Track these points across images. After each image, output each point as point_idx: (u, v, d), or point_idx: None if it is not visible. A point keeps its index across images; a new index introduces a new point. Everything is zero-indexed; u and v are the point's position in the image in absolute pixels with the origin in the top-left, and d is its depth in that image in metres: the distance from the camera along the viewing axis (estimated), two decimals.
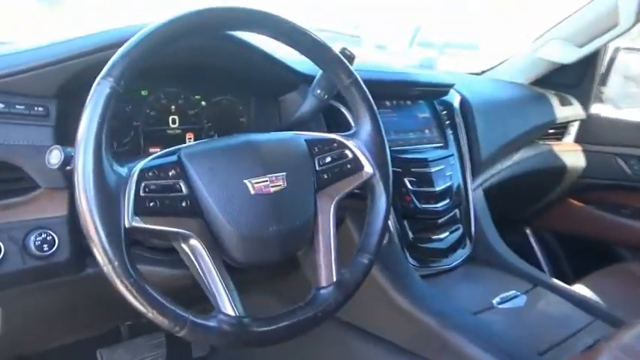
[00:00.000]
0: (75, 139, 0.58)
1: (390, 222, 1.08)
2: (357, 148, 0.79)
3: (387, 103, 1.19)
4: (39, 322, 0.81)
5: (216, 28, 0.70)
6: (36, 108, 0.74)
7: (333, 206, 0.75)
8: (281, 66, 0.98)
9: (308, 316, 0.69)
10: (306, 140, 0.76)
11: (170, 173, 0.64)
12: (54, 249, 0.72)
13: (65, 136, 0.79)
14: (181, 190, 0.64)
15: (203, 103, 1.03)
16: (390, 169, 0.81)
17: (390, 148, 1.12)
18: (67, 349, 1.09)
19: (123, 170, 0.60)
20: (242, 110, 1.08)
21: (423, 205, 1.12)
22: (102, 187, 0.56)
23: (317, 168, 0.76)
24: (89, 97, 0.58)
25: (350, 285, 0.74)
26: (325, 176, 0.76)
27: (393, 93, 1.21)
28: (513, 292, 1.03)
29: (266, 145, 0.72)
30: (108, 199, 0.57)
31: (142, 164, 0.62)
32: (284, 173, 0.70)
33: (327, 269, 0.73)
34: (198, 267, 0.64)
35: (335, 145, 0.78)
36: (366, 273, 0.76)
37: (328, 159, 0.77)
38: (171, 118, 0.99)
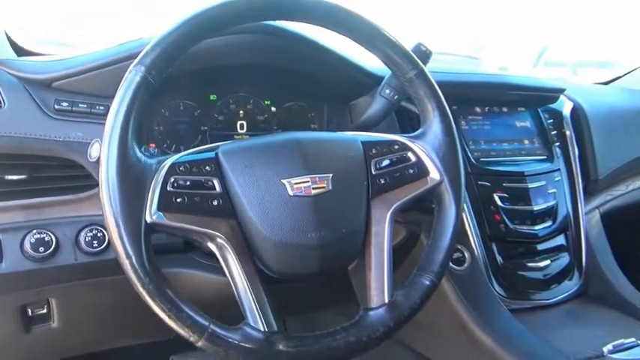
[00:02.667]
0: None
1: (472, 242, 0.93)
2: (422, 150, 0.69)
3: (478, 109, 1.06)
4: (95, 319, 0.82)
5: (256, 16, 0.65)
6: (97, 107, 0.75)
7: (389, 215, 0.65)
8: (353, 67, 0.91)
9: (349, 340, 0.59)
10: (362, 142, 0.68)
11: (205, 169, 0.59)
12: (103, 246, 0.72)
13: None
14: (214, 188, 0.59)
15: (273, 108, 0.99)
16: (463, 175, 0.69)
17: (478, 158, 1.00)
18: (139, 352, 1.10)
19: (152, 162, 0.57)
20: (313, 116, 1.02)
21: (517, 227, 0.96)
22: (125, 177, 0.54)
23: (373, 171, 0.66)
24: (120, 86, 0.56)
25: (404, 309, 0.63)
26: (382, 181, 0.66)
27: (486, 98, 1.07)
28: (633, 340, 0.82)
29: (313, 143, 0.65)
30: (130, 190, 0.54)
31: (174, 158, 0.59)
32: (329, 174, 0.62)
33: (378, 288, 0.63)
34: (227, 271, 0.58)
35: (396, 147, 0.69)
36: (425, 296, 0.64)
37: (386, 162, 0.67)
38: (239, 123, 0.97)
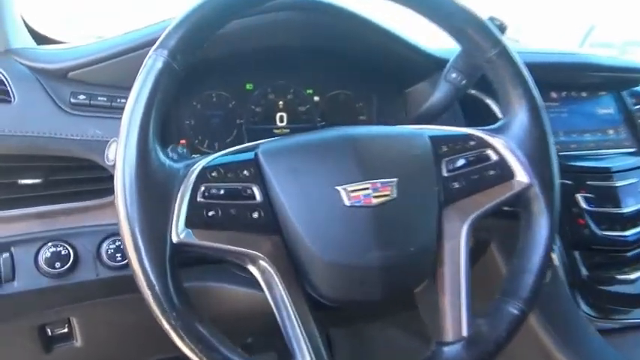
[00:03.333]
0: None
1: (553, 252, 0.79)
2: (505, 147, 0.56)
3: (554, 94, 0.91)
4: (120, 336, 0.73)
5: None
6: (118, 100, 0.66)
7: (466, 228, 0.53)
8: (410, 48, 0.78)
9: None
10: (430, 137, 0.55)
11: (242, 174, 0.49)
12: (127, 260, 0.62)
13: None
14: (253, 197, 0.48)
15: (316, 98, 0.88)
16: (557, 177, 0.56)
17: (556, 152, 0.85)
18: None
19: (178, 167, 0.47)
20: (362, 107, 0.90)
21: (604, 232, 0.81)
22: (145, 186, 0.43)
23: (444, 174, 0.54)
24: (138, 74, 0.46)
25: (487, 344, 0.51)
26: (456, 185, 0.54)
27: (563, 81, 0.92)
28: None
29: (371, 141, 0.53)
30: (153, 203, 0.44)
31: (205, 161, 0.48)
32: (394, 179, 0.50)
33: (453, 318, 0.51)
34: (270, 299, 0.47)
35: (472, 143, 0.56)
36: (513, 329, 0.52)
37: (461, 162, 0.55)
38: (278, 115, 0.86)
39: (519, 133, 0.56)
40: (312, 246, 0.48)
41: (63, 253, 0.60)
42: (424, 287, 0.55)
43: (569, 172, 0.82)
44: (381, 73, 0.85)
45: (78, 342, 0.70)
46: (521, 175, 0.55)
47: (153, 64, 0.46)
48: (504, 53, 0.56)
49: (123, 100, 0.66)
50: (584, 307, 0.79)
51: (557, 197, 0.56)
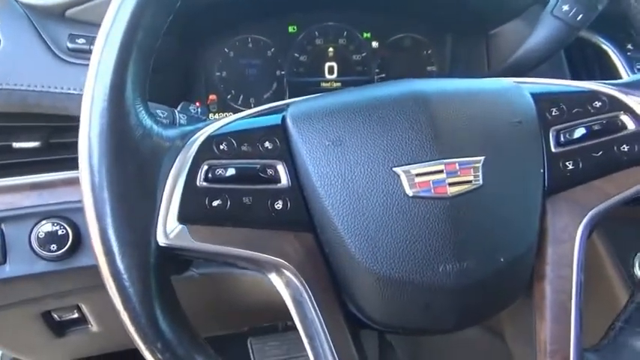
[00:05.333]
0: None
1: None
2: None
3: None
4: None
5: None
6: None
7: (582, 228, 0.37)
8: None
9: None
10: (534, 95, 0.38)
11: (263, 147, 0.35)
12: None
13: (158, 88, 0.57)
14: (277, 180, 0.34)
15: (374, 44, 0.71)
16: None
17: None
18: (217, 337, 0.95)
19: (171, 136, 0.33)
20: (430, 54, 0.73)
21: None
22: (119, 163, 0.31)
23: (553, 149, 0.38)
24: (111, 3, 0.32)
25: None
26: (571, 166, 0.37)
27: None
28: None
29: (449, 101, 0.37)
30: (130, 188, 0.31)
31: (212, 128, 0.35)
32: (480, 158, 0.35)
33: (558, 352, 0.36)
34: (298, 320, 0.34)
35: (598, 104, 0.39)
36: None
37: (581, 132, 0.38)
38: (327, 65, 0.71)
39: None
40: (358, 252, 0.33)
41: (60, 232, 0.50)
42: (514, 307, 0.40)
43: None
44: (457, 10, 0.67)
45: (94, 327, 0.61)
46: None
47: None
48: None
49: None
50: None
51: None
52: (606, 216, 0.38)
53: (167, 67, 0.60)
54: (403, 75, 0.73)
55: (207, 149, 0.33)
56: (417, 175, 0.34)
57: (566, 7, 0.51)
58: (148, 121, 0.32)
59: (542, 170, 0.37)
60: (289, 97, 0.70)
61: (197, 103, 0.68)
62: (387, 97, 0.36)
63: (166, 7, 0.33)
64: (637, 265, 0.60)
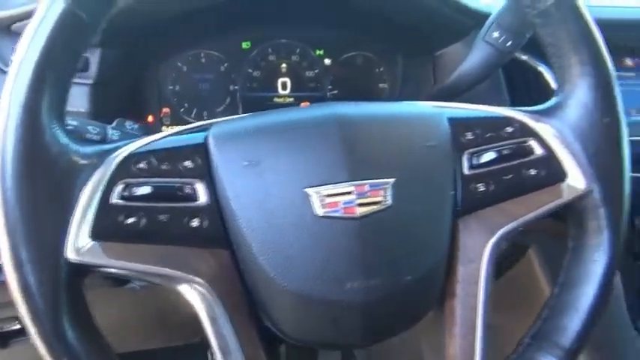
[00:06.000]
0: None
1: None
2: (556, 137, 0.40)
3: (629, 61, 0.72)
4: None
5: None
6: None
7: (490, 247, 0.39)
8: (444, 0, 0.61)
9: None
10: (451, 119, 0.40)
11: (182, 166, 0.36)
12: None
13: (107, 101, 0.58)
14: (195, 198, 0.35)
15: (327, 61, 0.73)
16: (628, 184, 0.40)
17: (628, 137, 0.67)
18: (176, 348, 0.95)
19: (87, 154, 0.34)
20: (382, 72, 0.75)
21: None
22: (31, 180, 0.32)
23: (466, 171, 0.39)
24: (29, 24, 0.33)
25: None
26: (482, 188, 0.39)
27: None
28: None
29: (366, 125, 0.38)
30: (41, 203, 0.32)
31: (134, 146, 0.36)
32: (390, 180, 0.36)
33: None
34: (213, 336, 0.35)
35: (510, 129, 0.41)
36: None
37: (491, 156, 0.40)
38: (281, 81, 0.72)
39: (578, 117, 0.40)
40: (270, 270, 0.35)
41: None
42: (429, 320, 0.41)
43: None
44: (408, 30, 0.69)
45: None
46: (576, 178, 0.39)
47: (52, 9, 0.33)
48: (566, 3, 0.39)
49: None
50: None
51: (625, 211, 0.40)
52: (514, 235, 0.40)
53: (117, 80, 0.61)
54: (356, 92, 0.76)
55: (124, 167, 0.35)
56: (328, 195, 0.35)
57: (496, 34, 0.53)
58: (64, 139, 0.33)
59: (453, 191, 0.38)
60: (242, 112, 0.72)
61: (166, 111, 0.69)
62: (307, 120, 0.38)
63: (85, 28, 0.34)
64: None
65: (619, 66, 0.70)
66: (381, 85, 0.76)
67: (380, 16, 0.67)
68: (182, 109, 0.70)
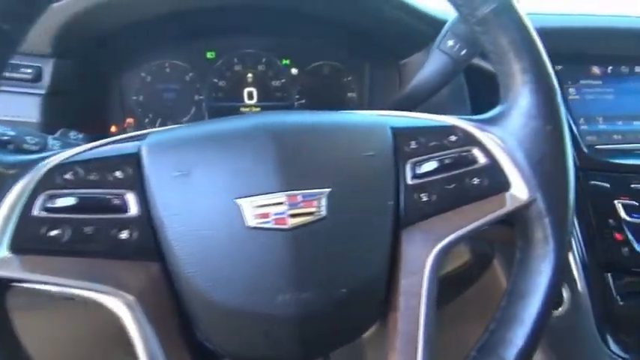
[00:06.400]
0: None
1: (575, 272, 0.62)
2: (499, 145, 0.40)
3: (597, 70, 0.71)
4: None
5: None
6: (23, 69, 0.53)
7: (432, 258, 0.38)
8: (403, 8, 0.61)
9: None
10: (394, 128, 0.40)
11: (112, 177, 0.35)
12: None
13: (65, 112, 0.57)
14: (124, 210, 0.35)
15: (294, 70, 0.73)
16: (573, 192, 0.39)
17: (592, 145, 0.67)
18: None
19: (10, 163, 0.34)
20: (350, 81, 0.74)
21: None
22: None
23: (409, 181, 0.39)
24: None
25: None
26: (424, 198, 0.38)
27: (610, 52, 0.72)
28: None
29: (304, 135, 0.38)
30: None
31: (60, 157, 0.35)
32: (325, 190, 0.35)
33: None
34: (141, 350, 0.34)
35: (453, 138, 0.40)
36: None
37: (433, 165, 0.39)
38: (247, 91, 0.72)
39: (520, 125, 0.39)
40: (200, 283, 0.34)
41: None
42: (374, 330, 0.40)
43: (607, 172, 0.64)
44: (373, 38, 0.69)
45: None
46: (520, 187, 0.39)
47: None
48: (506, 10, 0.38)
49: (29, 70, 0.54)
50: (614, 347, 0.61)
51: (569, 220, 0.39)
52: (456, 245, 0.39)
53: (75, 91, 0.61)
54: (324, 101, 0.75)
55: (49, 178, 0.34)
56: (259, 206, 0.34)
57: (450, 43, 0.53)
58: None
59: (391, 202, 0.38)
60: None
61: (130, 121, 0.69)
62: (241, 129, 0.37)
63: (7, 37, 0.34)
64: None
65: (586, 74, 0.70)
66: (349, 95, 0.75)
67: (343, 26, 0.67)
68: (146, 120, 0.70)
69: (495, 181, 0.39)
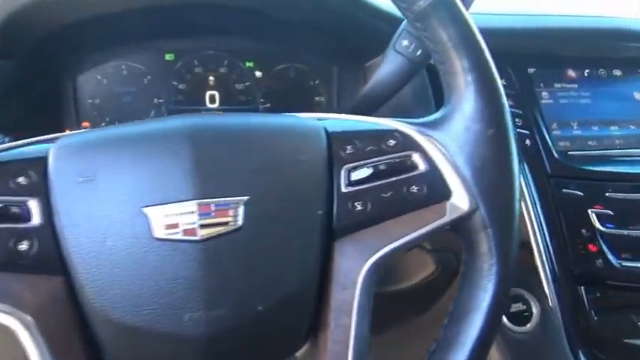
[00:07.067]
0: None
1: (545, 286, 0.59)
2: (439, 151, 0.37)
3: (572, 73, 0.68)
4: None
5: None
6: None
7: (365, 272, 0.35)
8: (362, 7, 0.59)
9: None
10: (328, 132, 0.37)
11: (14, 182, 0.32)
12: None
13: (8, 114, 0.55)
14: (26, 219, 0.32)
15: (258, 73, 0.70)
16: (518, 201, 0.36)
17: (565, 151, 0.64)
18: None
19: None
20: (318, 85, 0.72)
21: (626, 263, 0.60)
22: None
23: (342, 189, 0.36)
24: None
25: None
26: (358, 207, 0.36)
27: (586, 55, 0.69)
28: None
29: (220, 137, 0.35)
30: None
31: None
32: (242, 198, 0.33)
33: None
34: None
35: (392, 142, 0.37)
36: None
37: (370, 172, 0.36)
38: (208, 94, 0.69)
39: (462, 129, 0.36)
40: (100, 298, 0.31)
41: None
42: (306, 352, 0.37)
43: (581, 179, 0.61)
44: (337, 40, 0.66)
45: None
46: (461, 196, 0.36)
47: None
48: (442, 3, 0.36)
49: None
50: None
51: (515, 231, 0.36)
52: (391, 258, 0.36)
53: (21, 92, 0.58)
54: (291, 105, 0.73)
55: None
56: (167, 215, 0.31)
57: (405, 42, 0.50)
58: None
59: (321, 211, 0.35)
60: None
61: (86, 125, 0.67)
62: (156, 132, 0.34)
63: None
64: None
65: (561, 77, 0.67)
66: (317, 99, 0.72)
67: (307, 27, 0.65)
68: (103, 124, 0.67)
69: (435, 189, 0.36)
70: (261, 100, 0.71)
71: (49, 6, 0.51)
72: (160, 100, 0.68)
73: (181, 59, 0.68)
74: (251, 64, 0.70)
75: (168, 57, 0.68)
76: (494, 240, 0.35)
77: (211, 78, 0.69)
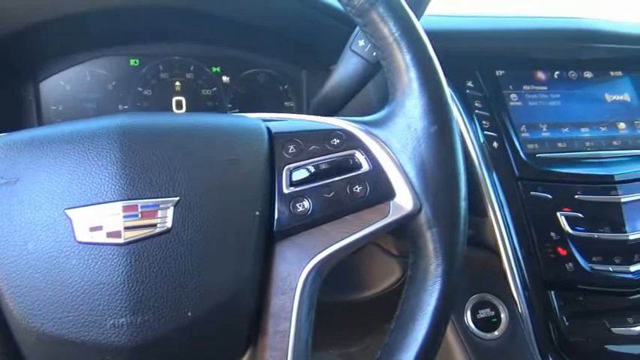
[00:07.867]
0: None
1: (514, 291, 0.57)
2: (383, 149, 0.36)
3: (542, 75, 0.67)
4: None
5: None
6: None
7: (305, 276, 0.34)
8: (317, 6, 0.58)
9: None
10: (270, 131, 0.36)
11: None
12: None
13: None
14: None
15: (225, 78, 0.69)
16: (464, 200, 0.35)
17: (533, 153, 0.63)
18: None
19: None
20: (287, 90, 0.71)
21: (597, 267, 0.58)
22: None
23: (284, 190, 0.35)
24: None
25: None
26: (301, 208, 0.34)
27: (556, 56, 0.69)
28: None
29: (150, 137, 0.34)
30: None
31: None
32: (172, 199, 0.31)
33: None
34: None
35: (335, 141, 0.36)
36: None
37: (312, 171, 0.35)
38: (175, 100, 0.68)
39: (405, 127, 0.35)
40: (21, 305, 0.30)
41: None
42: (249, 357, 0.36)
43: (549, 182, 0.60)
44: (301, 45, 0.65)
45: None
46: (405, 196, 0.35)
47: None
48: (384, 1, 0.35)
49: None
50: None
51: (460, 232, 0.35)
52: (334, 260, 0.35)
53: None
54: (260, 110, 0.71)
55: None
56: (90, 218, 0.30)
57: (362, 42, 0.49)
58: None
59: (258, 212, 0.34)
60: None
61: None
62: (82, 132, 0.33)
63: None
64: (468, 314, 0.57)
65: (530, 79, 0.66)
66: (286, 104, 0.72)
67: (278, 31, 0.64)
68: None
69: (379, 189, 0.35)
70: (229, 105, 0.70)
71: (9, 6, 0.50)
72: (125, 107, 0.67)
73: (146, 65, 0.67)
74: (218, 69, 0.69)
75: (132, 62, 0.67)
76: (440, 240, 0.34)
77: (177, 83, 0.68)
